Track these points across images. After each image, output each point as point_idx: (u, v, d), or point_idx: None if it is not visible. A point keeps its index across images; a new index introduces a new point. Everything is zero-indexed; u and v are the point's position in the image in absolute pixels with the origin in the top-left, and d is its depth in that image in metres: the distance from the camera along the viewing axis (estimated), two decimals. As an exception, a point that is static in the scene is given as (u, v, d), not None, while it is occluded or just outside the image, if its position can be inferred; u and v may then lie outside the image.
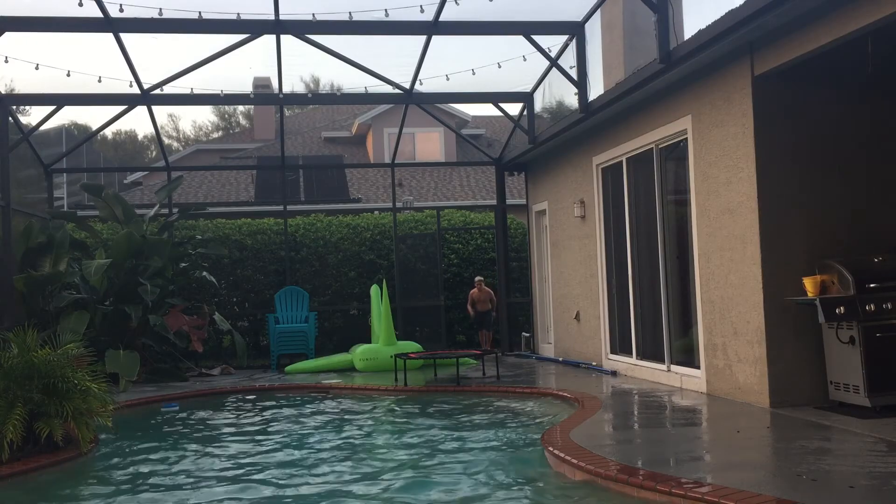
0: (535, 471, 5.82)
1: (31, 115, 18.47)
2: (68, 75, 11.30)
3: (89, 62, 13.92)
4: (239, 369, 12.98)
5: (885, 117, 7.74)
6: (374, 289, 13.08)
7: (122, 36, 10.79)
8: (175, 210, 14.13)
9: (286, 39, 11.27)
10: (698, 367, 8.51)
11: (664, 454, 5.85)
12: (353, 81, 46.75)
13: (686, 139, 8.65)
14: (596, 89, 10.62)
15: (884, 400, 6.76)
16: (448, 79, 12.35)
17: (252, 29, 10.89)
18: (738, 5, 6.80)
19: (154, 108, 13.13)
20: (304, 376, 11.79)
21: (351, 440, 7.30)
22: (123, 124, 48.96)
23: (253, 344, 14.50)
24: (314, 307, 14.14)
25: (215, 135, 42.56)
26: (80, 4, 9.57)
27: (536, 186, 13.84)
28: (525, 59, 11.75)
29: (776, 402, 7.26)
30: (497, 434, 7.22)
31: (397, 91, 12.85)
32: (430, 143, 24.74)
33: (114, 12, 9.96)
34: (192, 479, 5.97)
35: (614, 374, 10.34)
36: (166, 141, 41.98)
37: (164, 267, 12.25)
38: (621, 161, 10.28)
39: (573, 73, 10.94)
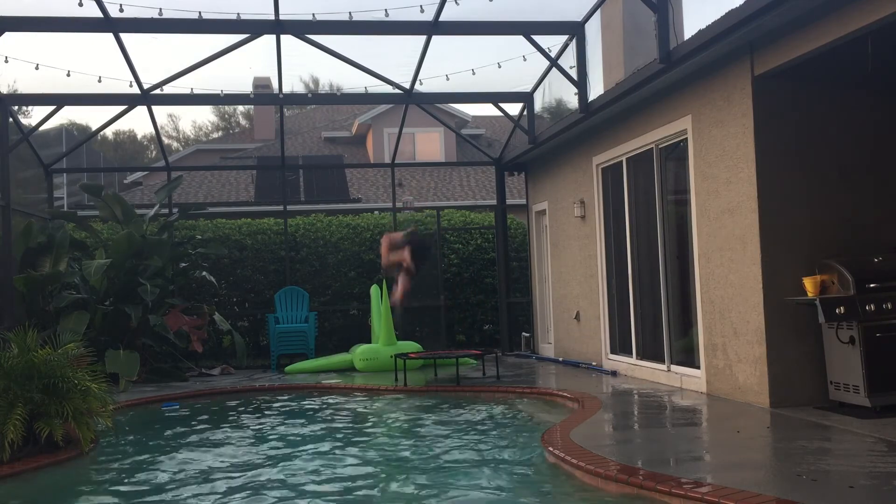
0: (534, 471, 5.82)
1: (32, 117, 18.48)
2: (68, 75, 11.30)
3: (89, 62, 13.90)
4: (239, 369, 12.98)
5: (886, 117, 7.75)
6: (374, 289, 13.07)
7: (122, 36, 10.78)
8: (175, 210, 14.13)
9: (286, 39, 11.27)
10: (698, 367, 8.51)
11: (664, 454, 5.85)
12: (353, 81, 46.68)
13: (686, 139, 8.65)
14: (596, 89, 10.63)
15: (884, 400, 6.76)
16: (448, 79, 12.36)
17: (252, 29, 10.88)
18: (738, 5, 6.80)
19: (154, 108, 13.12)
20: (304, 376, 11.78)
21: (351, 441, 7.30)
22: (123, 124, 48.97)
23: (253, 344, 14.50)
24: (314, 307, 14.14)
25: (215, 135, 42.56)
26: (80, 4, 9.57)
27: (536, 186, 13.84)
28: (525, 59, 11.75)
29: (776, 402, 7.26)
30: (497, 434, 7.22)
31: (397, 91, 12.84)
32: (430, 143, 24.74)
33: (114, 12, 9.95)
34: (192, 479, 5.97)
35: (614, 374, 10.34)
36: (166, 141, 41.99)
37: (164, 267, 12.25)
38: (621, 161, 10.28)
39: (573, 73, 10.94)
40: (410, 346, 12.34)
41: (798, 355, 7.36)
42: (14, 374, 6.45)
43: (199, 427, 8.30)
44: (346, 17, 10.57)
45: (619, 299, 10.57)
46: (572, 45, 11.06)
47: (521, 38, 10.99)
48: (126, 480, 6.01)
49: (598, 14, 10.89)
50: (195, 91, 12.46)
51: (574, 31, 10.95)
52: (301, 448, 6.99)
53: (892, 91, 7.68)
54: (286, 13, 10.68)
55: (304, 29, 10.88)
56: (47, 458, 6.32)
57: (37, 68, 11.10)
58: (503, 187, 15.01)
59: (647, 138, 9.46)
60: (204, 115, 55.88)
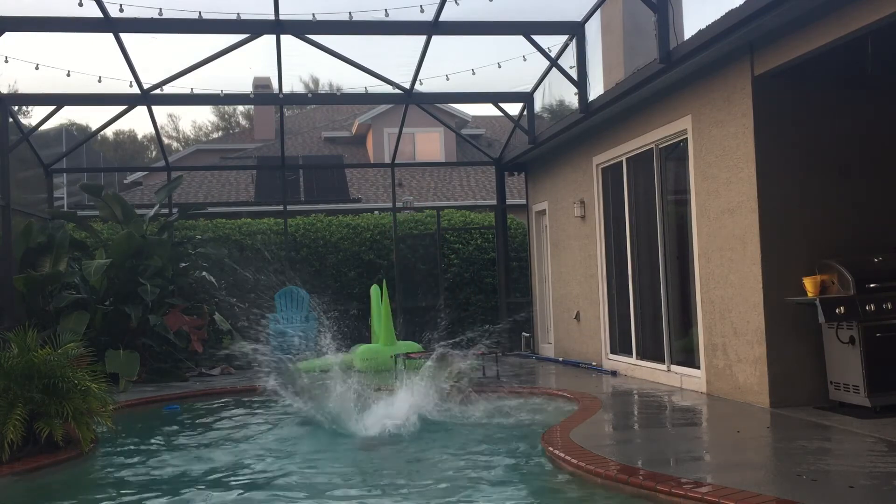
0: (534, 471, 5.81)
1: (32, 117, 18.48)
2: (68, 75, 11.31)
3: (89, 62, 13.91)
4: (239, 369, 12.97)
5: (886, 117, 7.74)
6: (374, 289, 13.07)
7: (122, 36, 10.79)
8: (175, 210, 14.13)
9: (286, 39, 11.27)
10: (698, 367, 8.51)
11: (664, 454, 5.85)
12: (353, 81, 46.76)
13: (686, 139, 8.65)
14: (596, 89, 10.64)
15: (884, 400, 6.76)
16: (448, 79, 12.37)
17: (252, 29, 10.89)
18: (738, 5, 6.80)
19: (154, 108, 13.13)
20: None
21: (347, 437, 7.30)
22: (123, 124, 48.97)
23: (253, 344, 14.49)
24: (314, 307, 14.14)
25: (215, 135, 42.56)
26: (80, 4, 9.58)
27: (536, 186, 13.84)
28: (525, 59, 11.76)
29: (776, 402, 7.26)
30: (497, 434, 7.21)
31: (397, 91, 12.84)
32: (430, 143, 24.75)
33: (114, 12, 9.96)
34: (192, 479, 5.97)
35: (614, 374, 10.34)
36: (166, 141, 41.99)
37: (164, 267, 12.25)
38: (621, 161, 10.28)
39: (573, 73, 10.94)
40: (410, 346, 12.33)
41: (798, 355, 7.36)
42: (14, 374, 6.45)
43: (199, 427, 8.29)
44: (346, 17, 10.58)
45: (619, 299, 10.57)
46: (572, 45, 11.07)
47: (521, 38, 10.99)
48: (126, 481, 6.01)
49: (598, 14, 10.90)
50: (195, 91, 12.47)
51: (574, 31, 10.95)
52: (302, 448, 6.99)
53: (893, 91, 7.68)
54: (286, 13, 10.70)
55: (304, 29, 10.88)
56: (47, 458, 6.32)
57: (37, 68, 11.11)
58: (503, 187, 15.01)
59: (647, 138, 9.46)
60: (204, 115, 55.97)
